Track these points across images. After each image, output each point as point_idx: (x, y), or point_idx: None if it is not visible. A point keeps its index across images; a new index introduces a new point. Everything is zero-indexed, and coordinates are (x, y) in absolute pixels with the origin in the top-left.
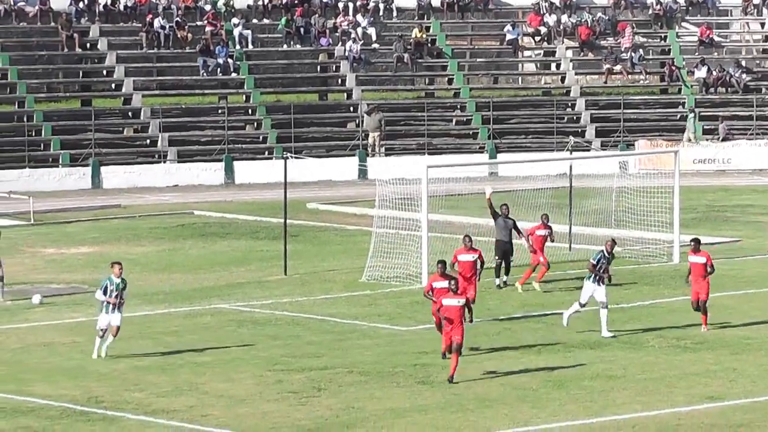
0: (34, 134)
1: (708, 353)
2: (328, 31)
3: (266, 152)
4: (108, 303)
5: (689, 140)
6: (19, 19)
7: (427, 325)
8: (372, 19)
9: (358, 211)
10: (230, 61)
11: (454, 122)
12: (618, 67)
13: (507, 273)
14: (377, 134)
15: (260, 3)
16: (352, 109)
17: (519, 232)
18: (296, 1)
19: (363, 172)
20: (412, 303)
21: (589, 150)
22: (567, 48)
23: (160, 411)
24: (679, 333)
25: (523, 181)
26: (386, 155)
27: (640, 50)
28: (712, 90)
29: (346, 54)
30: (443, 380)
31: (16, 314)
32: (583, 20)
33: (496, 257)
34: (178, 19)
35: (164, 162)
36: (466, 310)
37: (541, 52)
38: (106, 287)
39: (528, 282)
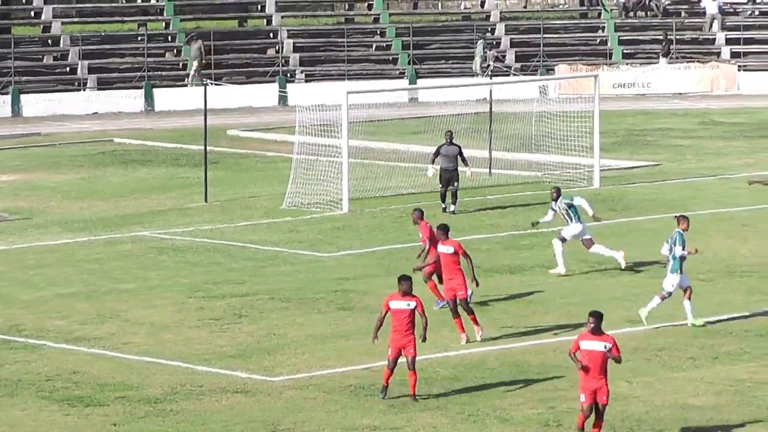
0: None
1: (629, 277)
2: None
3: (185, 79)
4: None
5: (480, 68)
6: None
7: (348, 252)
8: None
9: (278, 137)
10: None
11: (374, 48)
12: None
13: (454, 201)
14: (196, 63)
15: None
16: (272, 35)
17: (464, 159)
18: None
19: (283, 99)
20: (333, 229)
21: (508, 75)
22: None
23: (82, 339)
24: (599, 257)
25: (443, 106)
26: (306, 81)
27: None
28: (631, 14)
29: None
30: (364, 306)
31: None
32: None
33: (440, 185)
34: None
35: (84, 90)
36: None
37: None
38: None
39: None
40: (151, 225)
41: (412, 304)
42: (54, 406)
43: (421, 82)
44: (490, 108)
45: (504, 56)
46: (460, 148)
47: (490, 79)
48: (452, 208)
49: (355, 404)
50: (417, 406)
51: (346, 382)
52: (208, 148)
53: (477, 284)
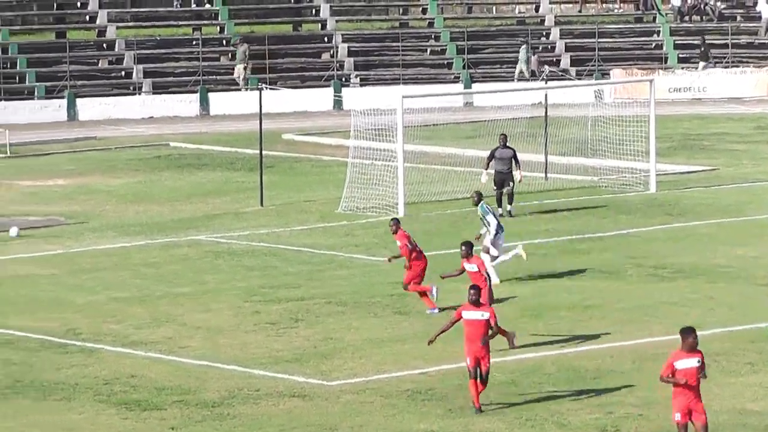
0: (9, 66)
1: (685, 282)
2: None
3: (241, 83)
4: None
5: (521, 73)
6: None
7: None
8: None
9: (333, 141)
10: None
11: (428, 52)
12: None
13: (510, 201)
14: (242, 66)
15: None
16: (326, 39)
17: (517, 162)
18: None
19: (338, 103)
20: (388, 233)
21: (564, 79)
22: None
23: (139, 343)
24: (656, 262)
25: (498, 110)
26: (361, 85)
27: None
28: (686, 18)
29: None
30: (420, 310)
31: None
32: None
33: (495, 188)
34: None
35: (139, 94)
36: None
37: None
38: None
39: None
40: (207, 229)
41: (486, 314)
42: (111, 410)
43: (475, 86)
44: (546, 112)
45: (557, 60)
46: (514, 150)
47: (545, 83)
48: (509, 208)
49: (412, 409)
50: (474, 410)
51: (402, 387)
52: (263, 152)
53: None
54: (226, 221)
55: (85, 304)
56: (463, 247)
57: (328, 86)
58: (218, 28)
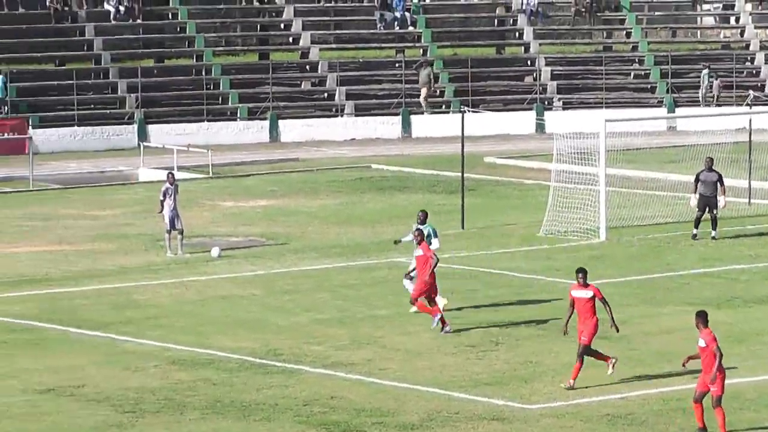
0: (212, 88)
1: None
2: None
3: (443, 106)
4: None
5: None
6: None
7: (605, 280)
8: None
9: (535, 165)
10: (407, 14)
11: (632, 76)
12: None
13: (714, 227)
14: (425, 89)
15: None
16: (529, 62)
17: (722, 185)
18: None
19: (540, 126)
20: (589, 258)
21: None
22: (746, 1)
23: (339, 364)
24: None
25: (701, 135)
26: (563, 109)
27: None
28: None
29: (524, 7)
30: (621, 336)
31: (196, 267)
32: None
33: (697, 210)
34: None
35: (341, 116)
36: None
37: (720, 5)
38: None
39: None
40: (407, 252)
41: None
42: (311, 431)
43: (679, 111)
44: (750, 137)
45: (762, 86)
46: (719, 174)
47: (750, 108)
48: (713, 233)
49: None
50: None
51: (602, 411)
52: (465, 174)
53: (617, 330)
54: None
55: (286, 325)
56: (579, 275)
57: (531, 109)
58: (421, 50)
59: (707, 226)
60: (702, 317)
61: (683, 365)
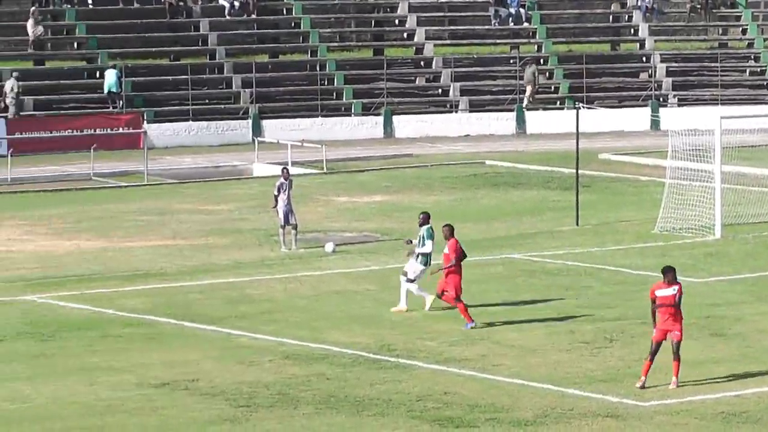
0: (326, 83)
1: None
2: None
3: (558, 102)
4: None
5: None
6: None
7: (720, 277)
8: None
9: (650, 161)
10: (522, 10)
11: (747, 73)
12: None
13: None
14: (530, 87)
15: None
16: (644, 59)
17: None
18: None
19: (655, 123)
20: (704, 255)
21: None
22: None
23: (452, 360)
24: None
25: None
26: (678, 106)
27: None
28: None
29: (639, 4)
30: (737, 332)
31: (310, 262)
32: None
33: None
34: None
35: (456, 112)
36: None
37: None
38: None
39: None
40: (521, 248)
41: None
42: (425, 426)
43: None
44: None
45: None
46: None
47: None
48: None
49: (725, 431)
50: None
51: (717, 409)
52: (579, 171)
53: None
54: (540, 240)
55: (400, 320)
56: (667, 273)
57: (646, 106)
58: (536, 46)
59: None
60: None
61: None
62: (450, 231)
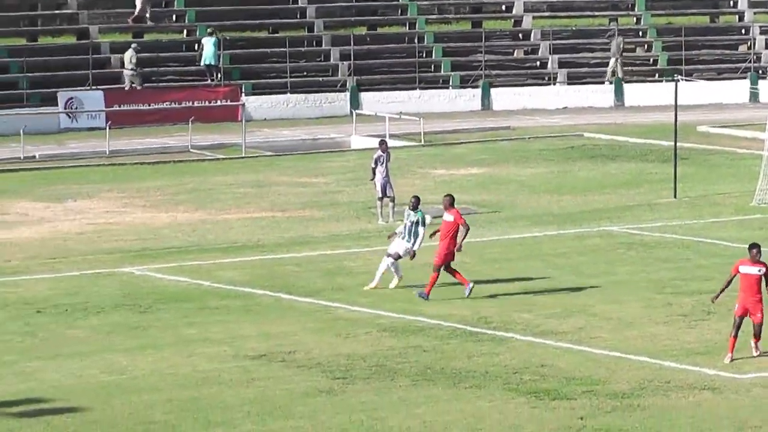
0: (425, 56)
1: None
2: None
3: (656, 74)
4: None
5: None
6: None
7: None
8: None
9: (748, 134)
10: None
11: None
12: None
13: None
14: (615, 59)
15: None
16: (743, 31)
17: None
18: None
19: (754, 95)
20: None
21: None
22: None
23: (549, 332)
24: None
25: None
26: None
27: None
28: None
29: None
30: None
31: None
32: None
33: None
34: None
35: (554, 84)
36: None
37: None
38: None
39: None
40: (619, 220)
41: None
42: (521, 399)
43: None
44: None
45: None
46: None
47: None
48: None
49: None
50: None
51: None
52: (677, 143)
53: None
54: (638, 212)
55: (496, 292)
56: (753, 249)
57: (745, 78)
58: (634, 18)
59: None
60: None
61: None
62: (450, 201)
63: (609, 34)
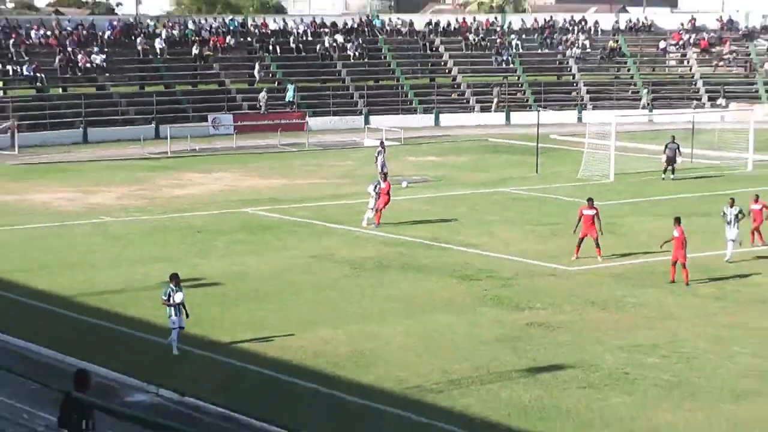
0: (404, 96)
1: None
2: None
3: (528, 107)
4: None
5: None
6: None
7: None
8: None
9: (576, 139)
10: None
11: None
12: None
13: None
14: (497, 99)
15: None
16: (575, 84)
17: None
18: None
19: (579, 119)
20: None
21: None
22: None
23: (470, 244)
24: None
25: None
26: None
27: None
28: None
29: None
30: (623, 233)
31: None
32: None
33: None
34: None
35: (472, 111)
36: None
37: None
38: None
39: None
40: (507, 185)
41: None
42: (453, 280)
43: None
44: None
45: None
46: None
47: None
48: None
49: None
50: None
51: (609, 272)
52: (539, 144)
53: None
54: (518, 181)
55: (443, 223)
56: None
57: (574, 109)
58: (517, 76)
59: None
60: None
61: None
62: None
63: (494, 84)
